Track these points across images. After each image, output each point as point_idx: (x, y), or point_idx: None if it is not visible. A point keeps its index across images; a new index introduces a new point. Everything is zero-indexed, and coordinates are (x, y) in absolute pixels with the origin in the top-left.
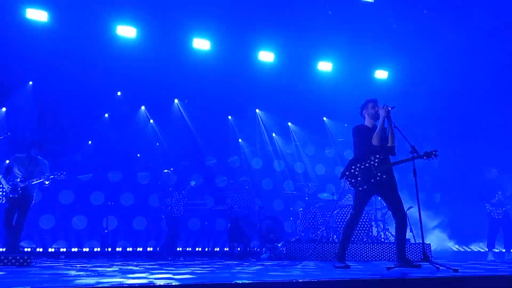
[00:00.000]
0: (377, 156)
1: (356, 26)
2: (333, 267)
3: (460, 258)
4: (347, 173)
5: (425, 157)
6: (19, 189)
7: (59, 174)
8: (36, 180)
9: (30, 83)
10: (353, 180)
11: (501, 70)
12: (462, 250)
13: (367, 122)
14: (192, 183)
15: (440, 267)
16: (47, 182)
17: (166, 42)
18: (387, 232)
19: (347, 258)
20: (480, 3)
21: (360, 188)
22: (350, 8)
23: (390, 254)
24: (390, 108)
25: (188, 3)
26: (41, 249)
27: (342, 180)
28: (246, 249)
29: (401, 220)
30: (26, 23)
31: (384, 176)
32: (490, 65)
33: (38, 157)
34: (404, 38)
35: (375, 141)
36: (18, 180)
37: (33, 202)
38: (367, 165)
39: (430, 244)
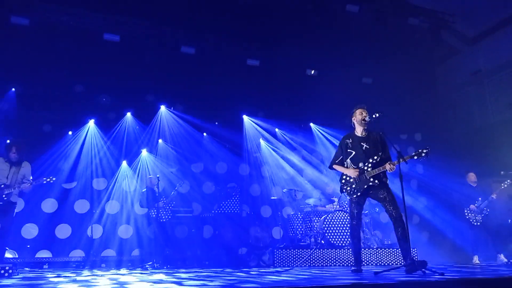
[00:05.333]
0: (367, 163)
1: (342, 32)
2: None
3: (446, 261)
4: (342, 181)
5: (415, 157)
6: (4, 195)
7: (46, 178)
8: (22, 186)
9: (13, 89)
10: (348, 188)
11: None
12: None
13: (357, 129)
14: (178, 186)
15: (426, 271)
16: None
17: (152, 46)
18: (375, 238)
19: (334, 263)
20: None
21: (355, 196)
22: (336, 14)
23: (378, 259)
24: (376, 115)
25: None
26: (23, 259)
27: (339, 191)
28: (234, 256)
29: (397, 221)
30: (9, 26)
31: (376, 181)
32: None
33: (21, 159)
34: (388, 44)
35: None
36: (2, 186)
37: (15, 208)
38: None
39: (415, 248)
